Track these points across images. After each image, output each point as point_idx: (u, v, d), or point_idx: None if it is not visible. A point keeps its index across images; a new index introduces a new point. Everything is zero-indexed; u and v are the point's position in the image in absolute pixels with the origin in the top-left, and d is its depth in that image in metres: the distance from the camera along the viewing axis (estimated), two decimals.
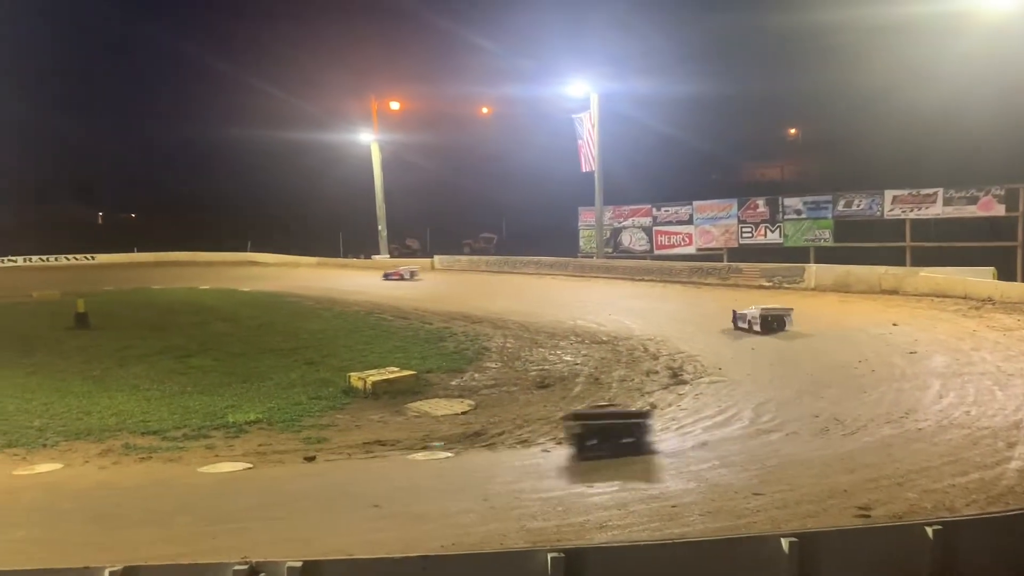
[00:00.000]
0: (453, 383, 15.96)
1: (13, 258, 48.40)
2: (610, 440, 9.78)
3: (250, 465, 10.46)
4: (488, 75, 51.28)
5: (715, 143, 48.15)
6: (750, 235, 36.14)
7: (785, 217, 34.80)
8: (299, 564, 4.38)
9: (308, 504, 8.28)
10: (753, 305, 19.93)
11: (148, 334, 23.07)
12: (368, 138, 45.76)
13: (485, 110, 53.65)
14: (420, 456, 10.75)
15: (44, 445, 11.89)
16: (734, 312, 19.66)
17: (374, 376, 15.31)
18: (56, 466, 10.83)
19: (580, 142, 37.42)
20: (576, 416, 10.45)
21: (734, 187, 44.13)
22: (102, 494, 9.28)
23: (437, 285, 34.24)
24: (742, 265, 29.84)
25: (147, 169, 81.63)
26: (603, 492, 8.03)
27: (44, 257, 49.20)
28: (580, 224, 41.67)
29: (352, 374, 15.64)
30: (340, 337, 21.69)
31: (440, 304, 27.28)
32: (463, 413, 13.47)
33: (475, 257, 42.83)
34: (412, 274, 36.68)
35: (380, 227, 45.88)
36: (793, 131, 59.63)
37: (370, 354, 18.86)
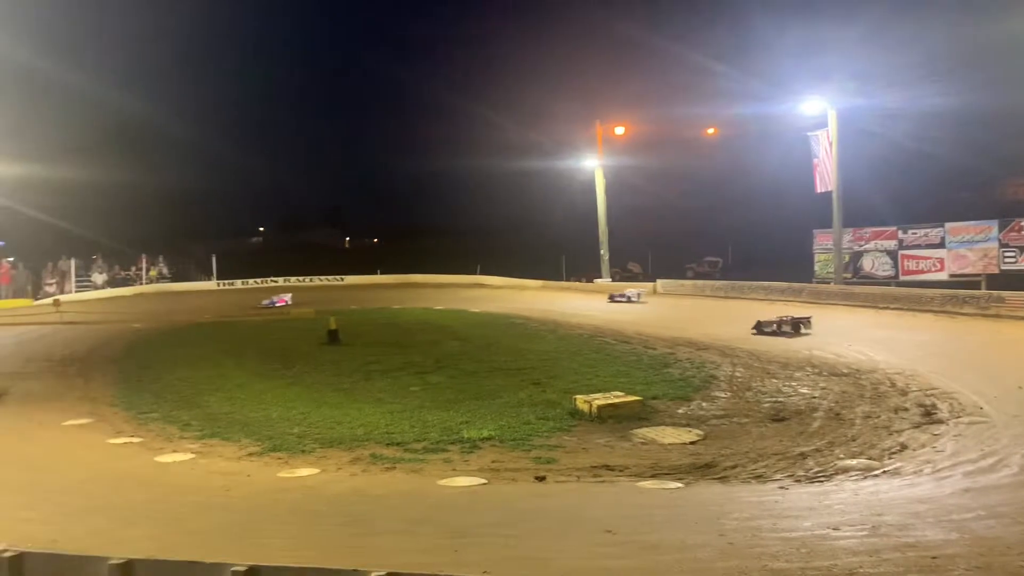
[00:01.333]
0: (680, 411, 15.61)
1: (275, 279, 54.06)
2: None
3: (485, 481, 10.84)
4: (715, 96, 50.10)
5: (971, 158, 43.67)
6: (1013, 260, 32.33)
7: None
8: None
9: (541, 524, 8.43)
10: None
11: (389, 351, 24.72)
12: (592, 164, 46.35)
13: (711, 131, 52.43)
14: (649, 484, 10.60)
15: (303, 451, 13.06)
16: None
17: (599, 400, 15.36)
18: (313, 471, 11.85)
19: (815, 161, 35.48)
20: None
21: (989, 207, 39.69)
22: (354, 499, 10.02)
23: (660, 309, 33.82)
24: (1005, 293, 26.68)
25: (388, 197, 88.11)
26: (850, 536, 7.44)
27: (300, 278, 54.49)
28: (815, 248, 39.47)
29: (577, 397, 15.79)
30: (564, 359, 22.02)
31: (663, 329, 26.90)
32: (692, 443, 13.13)
33: (699, 282, 41.83)
34: (638, 295, 36.60)
35: (602, 251, 46.19)
36: None
37: (594, 377, 18.96)
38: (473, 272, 52.17)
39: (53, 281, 47.83)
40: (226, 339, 28.59)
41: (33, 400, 18.28)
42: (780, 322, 24.69)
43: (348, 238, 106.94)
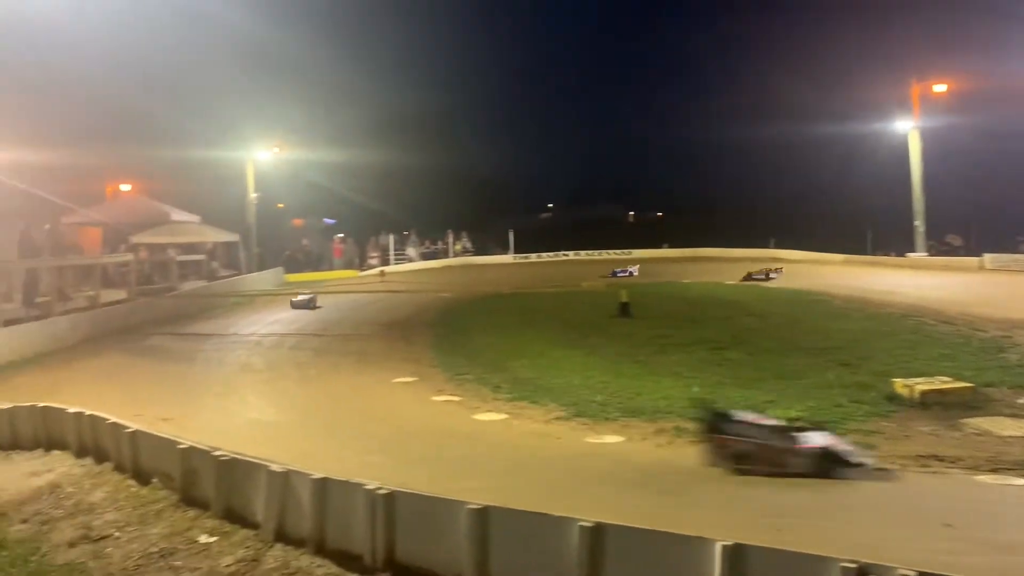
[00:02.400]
0: (1020, 401, 13.80)
1: (567, 252, 55.99)
2: None
3: None
4: None
5: None
6: None
7: None
8: (912, 574, 4.19)
9: (867, 511, 7.95)
10: None
11: (681, 325, 24.53)
12: (905, 126, 42.14)
13: None
14: (988, 479, 9.54)
15: (606, 419, 13.45)
16: None
17: (922, 385, 14.03)
18: (619, 439, 12.17)
19: None
20: None
21: None
22: (664, 471, 10.15)
23: (988, 288, 30.02)
24: None
25: (673, 171, 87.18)
26: None
27: (590, 252, 55.91)
28: None
29: (896, 380, 14.55)
30: (875, 340, 20.37)
31: (994, 310, 23.80)
32: None
33: None
34: None
35: (916, 222, 41.95)
36: None
37: (912, 360, 17.33)
38: (766, 246, 50.01)
39: (375, 255, 53.60)
40: (524, 310, 30.18)
41: (367, 359, 20.74)
42: None
43: (632, 212, 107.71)
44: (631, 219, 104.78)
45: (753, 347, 20.20)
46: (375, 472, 9.15)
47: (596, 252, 56.06)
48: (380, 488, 5.59)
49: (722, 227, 56.62)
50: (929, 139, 41.93)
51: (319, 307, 32.06)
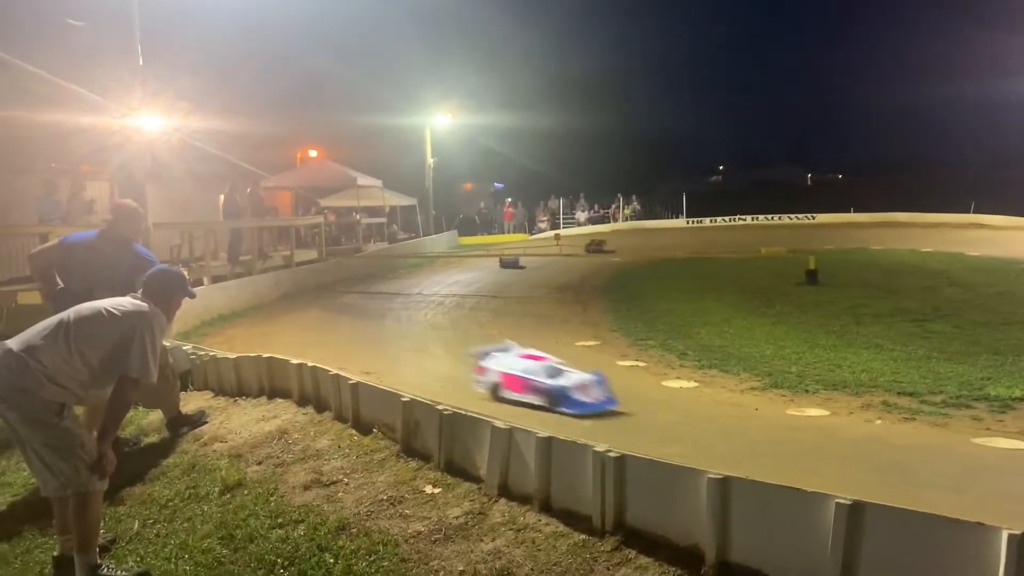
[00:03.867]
0: None
1: (743, 217, 53.98)
2: None
3: None
4: None
5: None
6: None
7: None
8: None
9: None
10: None
11: (875, 294, 23.13)
12: None
13: None
14: None
15: (805, 391, 12.81)
16: None
17: None
18: (822, 412, 11.57)
19: None
20: None
21: None
22: (877, 447, 9.55)
23: None
24: None
25: (854, 131, 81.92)
26: None
27: (768, 216, 53.58)
28: None
29: None
30: None
31: None
32: None
33: None
34: None
35: None
36: None
37: None
38: (967, 211, 45.99)
39: (544, 218, 54.03)
40: (702, 276, 29.47)
41: (546, 323, 20.94)
42: None
43: (810, 175, 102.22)
44: (809, 181, 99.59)
45: (960, 319, 18.68)
46: (575, 431, 9.22)
47: (775, 217, 53.68)
48: (610, 450, 5.54)
49: (913, 190, 52.70)
50: None
51: (523, 267, 33.07)
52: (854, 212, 51.84)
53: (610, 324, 20.16)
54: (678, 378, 14.00)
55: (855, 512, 4.42)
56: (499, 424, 6.51)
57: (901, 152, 68.49)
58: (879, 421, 11.15)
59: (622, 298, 24.39)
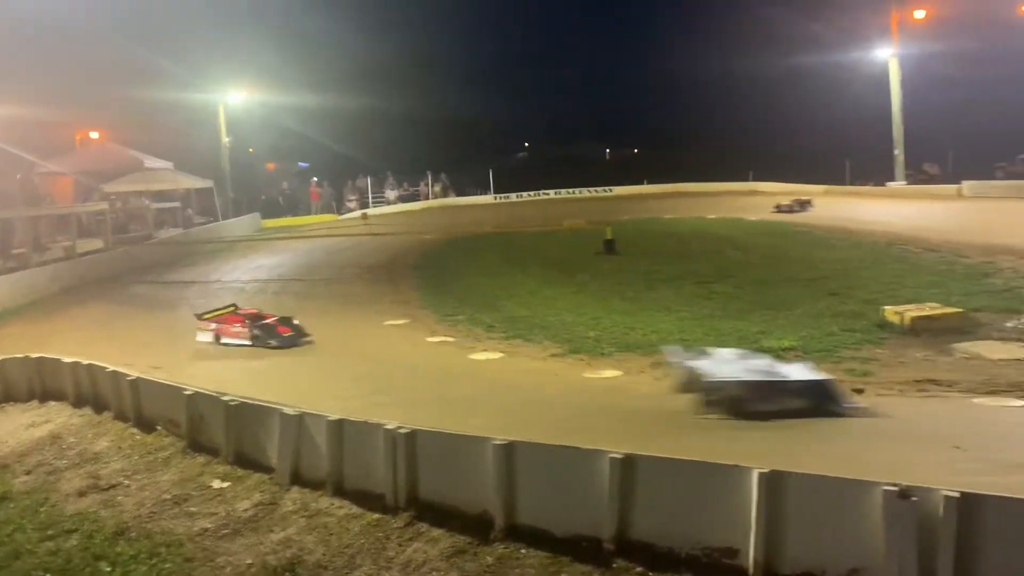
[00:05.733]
0: (1008, 325, 14.00)
1: (547, 191, 55.58)
2: None
3: None
4: None
5: None
6: None
7: None
8: (956, 494, 4.20)
9: (880, 436, 8.04)
10: None
11: (667, 260, 24.57)
12: (884, 54, 41.87)
13: None
14: (986, 401, 9.69)
15: (602, 354, 13.46)
16: None
17: (912, 311, 14.17)
18: (616, 373, 12.20)
19: None
20: None
21: None
22: (663, 405, 10.17)
23: (968, 214, 30.23)
24: None
25: (647, 107, 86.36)
26: None
27: (570, 190, 55.53)
28: None
29: (887, 308, 14.69)
30: (862, 269, 20.56)
31: (975, 236, 23.98)
32: None
33: (1016, 183, 36.72)
34: None
35: (896, 151, 42.01)
36: None
37: (900, 288, 17.51)
38: (746, 179, 49.93)
39: (353, 198, 52.92)
40: (509, 249, 30.05)
41: (355, 303, 20.58)
42: None
43: (608, 149, 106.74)
44: (608, 156, 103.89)
45: (741, 279, 20.29)
46: (382, 412, 9.11)
47: (577, 191, 55.70)
48: (400, 427, 5.50)
49: (700, 162, 56.33)
50: (906, 67, 41.75)
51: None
52: (648, 184, 54.96)
53: (420, 302, 20.12)
54: (485, 350, 14.22)
55: (627, 465, 4.66)
56: (288, 411, 6.30)
57: (690, 125, 72.92)
58: (667, 378, 11.93)
59: (432, 275, 24.40)
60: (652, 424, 8.97)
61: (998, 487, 5.88)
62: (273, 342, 14.73)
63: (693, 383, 9.84)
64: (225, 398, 6.88)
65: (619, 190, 54.58)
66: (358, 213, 47.62)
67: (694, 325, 15.27)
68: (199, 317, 16.04)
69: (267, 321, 15.56)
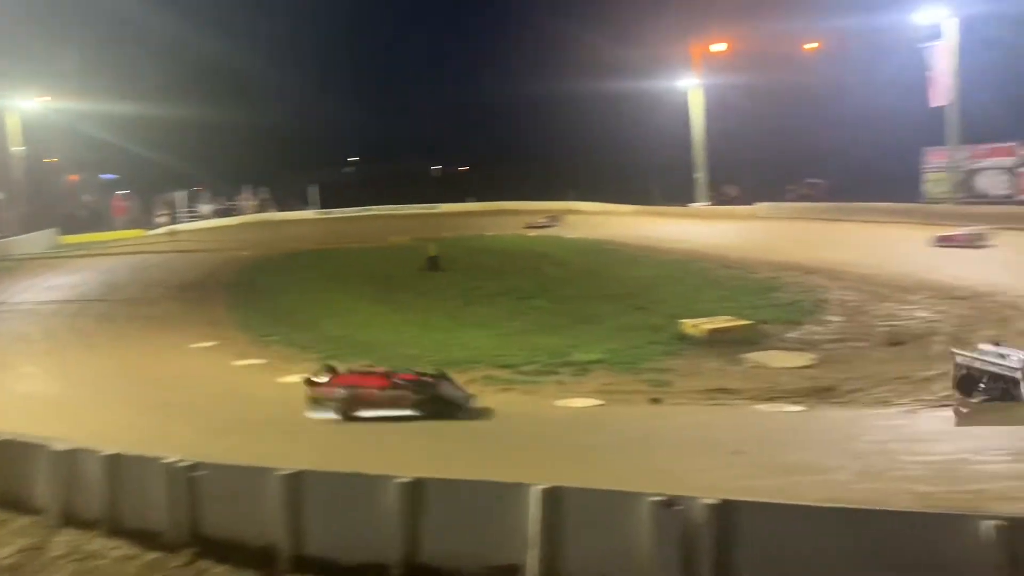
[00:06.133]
0: (790, 335, 15.37)
1: (372, 207, 55.02)
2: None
3: (601, 402, 10.99)
4: (817, 8, 47.20)
5: None
6: None
7: None
8: (716, 502, 4.51)
9: (667, 444, 8.52)
10: None
11: (489, 277, 24.98)
12: (687, 83, 44.91)
13: (813, 46, 49.59)
14: (766, 407, 10.57)
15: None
16: None
17: (707, 324, 15.24)
18: None
19: (929, 74, 33.37)
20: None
21: None
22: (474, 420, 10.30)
23: (760, 234, 32.87)
24: None
25: (477, 126, 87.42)
26: (993, 461, 7.24)
27: (396, 206, 55.29)
28: (925, 167, 37.38)
29: (684, 321, 15.69)
30: (666, 284, 21.85)
31: (766, 253, 26.21)
32: (807, 367, 12.94)
33: (802, 204, 40.40)
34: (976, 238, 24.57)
35: (697, 174, 45.08)
36: None
37: (698, 302, 18.77)
38: (565, 198, 51.77)
39: (164, 212, 49.94)
40: (330, 267, 29.44)
41: (160, 324, 19.36)
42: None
43: (439, 167, 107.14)
44: (437, 173, 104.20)
45: (557, 295, 20.99)
46: (176, 443, 8.60)
47: (402, 207, 55.55)
48: (180, 461, 5.23)
49: (525, 180, 57.83)
50: (710, 95, 44.93)
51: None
52: (472, 201, 55.75)
53: (233, 322, 19.27)
54: (298, 373, 13.73)
55: (416, 488, 4.67)
56: (58, 447, 5.82)
57: (516, 145, 74.67)
58: (482, 391, 12.11)
59: (248, 294, 23.45)
60: (453, 441, 9.06)
61: (770, 490, 6.43)
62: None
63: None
64: None
65: (444, 207, 55.01)
66: (166, 229, 44.96)
67: (510, 341, 15.62)
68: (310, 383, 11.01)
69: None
